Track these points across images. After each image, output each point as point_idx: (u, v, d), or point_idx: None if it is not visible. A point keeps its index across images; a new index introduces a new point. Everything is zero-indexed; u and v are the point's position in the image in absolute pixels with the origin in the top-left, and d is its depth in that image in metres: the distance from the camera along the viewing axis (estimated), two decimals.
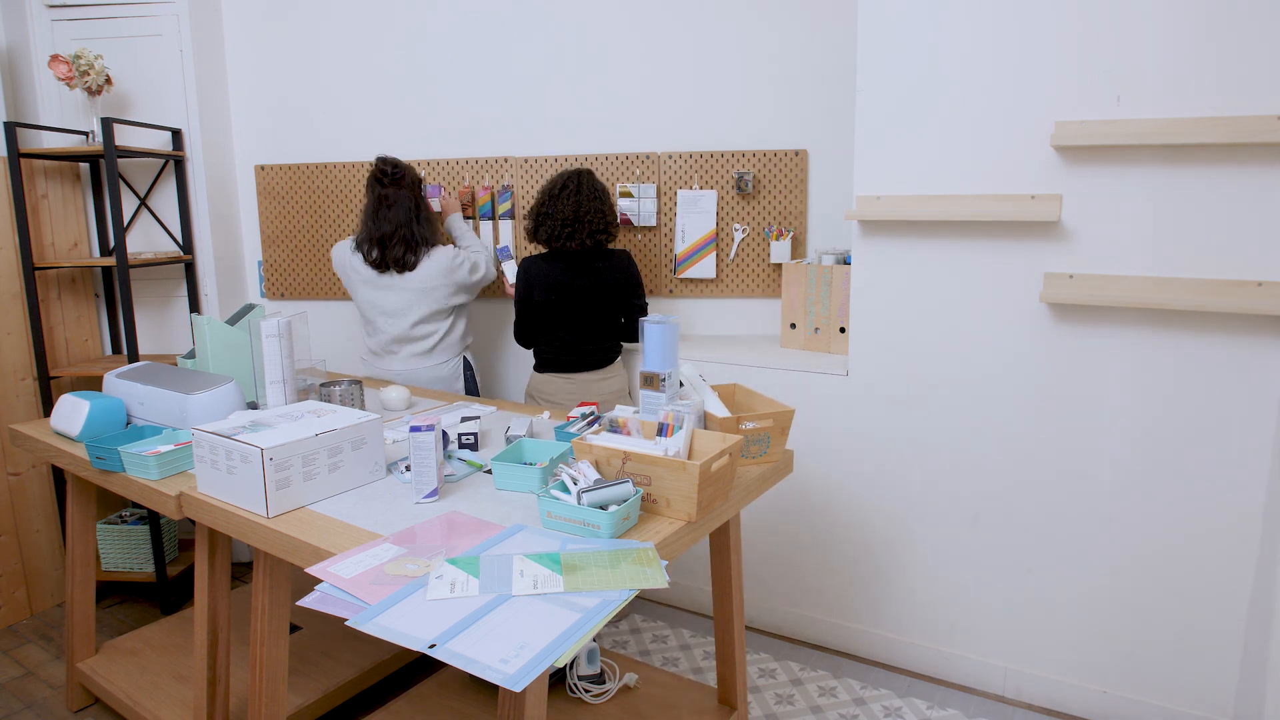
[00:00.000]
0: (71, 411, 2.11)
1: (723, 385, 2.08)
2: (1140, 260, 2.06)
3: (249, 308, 2.47)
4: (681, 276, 3.03)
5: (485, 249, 2.91)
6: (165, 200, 3.14)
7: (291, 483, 1.63)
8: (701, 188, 2.97)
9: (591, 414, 2.06)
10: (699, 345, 2.85)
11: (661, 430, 1.74)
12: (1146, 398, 2.10)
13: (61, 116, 3.05)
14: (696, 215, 2.97)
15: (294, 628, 2.54)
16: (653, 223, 3.00)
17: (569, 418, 2.08)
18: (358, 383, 2.35)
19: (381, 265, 2.70)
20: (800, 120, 2.86)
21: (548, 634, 1.19)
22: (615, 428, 1.76)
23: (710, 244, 2.98)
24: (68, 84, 2.83)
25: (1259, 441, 2.00)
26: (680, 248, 3.00)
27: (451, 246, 2.78)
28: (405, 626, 1.21)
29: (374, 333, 2.79)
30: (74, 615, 2.37)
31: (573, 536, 1.50)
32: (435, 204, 3.05)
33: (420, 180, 2.80)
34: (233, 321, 2.44)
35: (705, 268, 2.99)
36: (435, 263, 2.70)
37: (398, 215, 2.67)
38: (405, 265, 2.68)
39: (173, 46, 3.04)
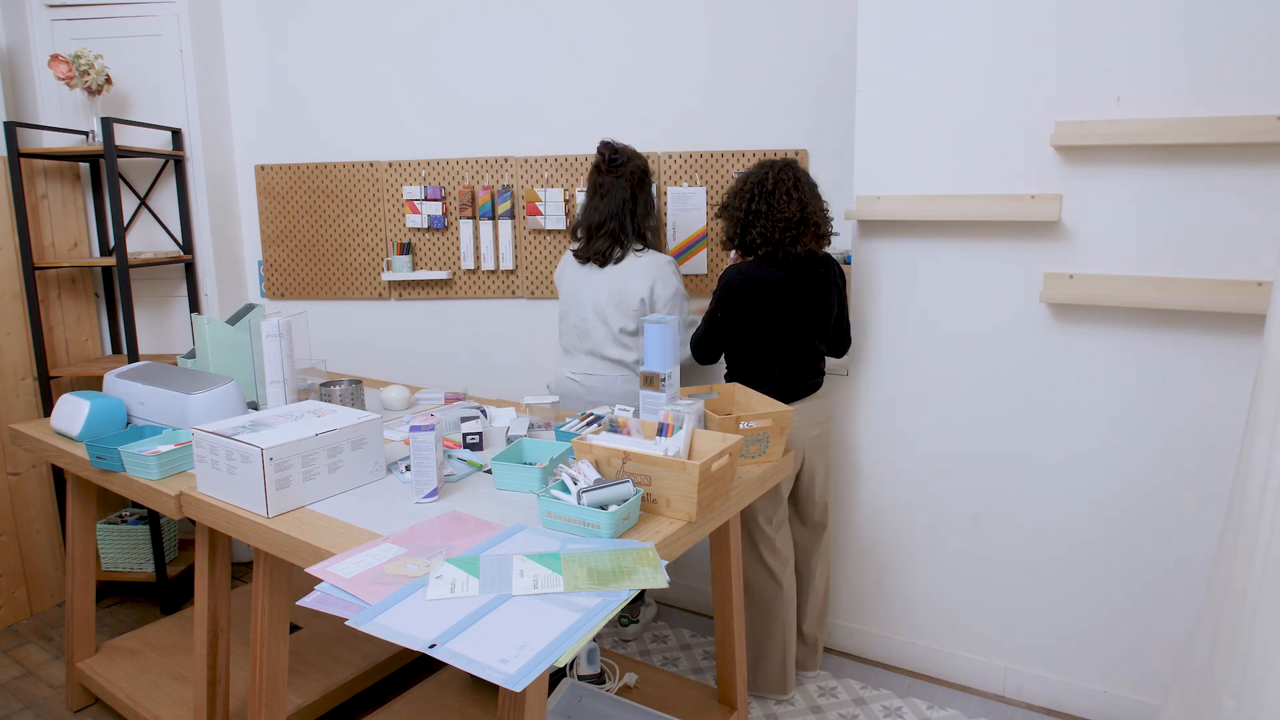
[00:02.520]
0: (72, 411, 2.11)
1: (723, 385, 2.08)
2: (1140, 260, 2.06)
3: (249, 307, 2.47)
4: None
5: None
6: (165, 200, 3.14)
7: (291, 483, 1.63)
8: (690, 185, 2.97)
9: (591, 414, 2.06)
10: None
11: (661, 430, 1.74)
12: (1146, 397, 2.10)
13: (61, 116, 3.05)
14: (687, 212, 2.97)
15: (294, 628, 2.54)
16: None
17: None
18: (358, 382, 2.35)
19: (583, 257, 2.50)
20: (800, 120, 2.86)
21: (548, 634, 1.19)
22: (615, 428, 1.77)
23: (701, 240, 2.98)
24: (68, 84, 2.83)
25: None
26: (672, 245, 3.00)
27: (668, 256, 2.49)
28: (405, 626, 1.21)
29: (566, 328, 2.58)
30: (73, 615, 2.37)
31: (573, 536, 1.50)
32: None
33: (645, 170, 2.51)
34: (233, 321, 2.44)
35: (697, 264, 2.99)
36: (644, 262, 2.43)
37: (609, 205, 2.44)
38: (607, 258, 2.44)
39: (173, 46, 3.04)
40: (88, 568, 2.37)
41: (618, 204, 2.44)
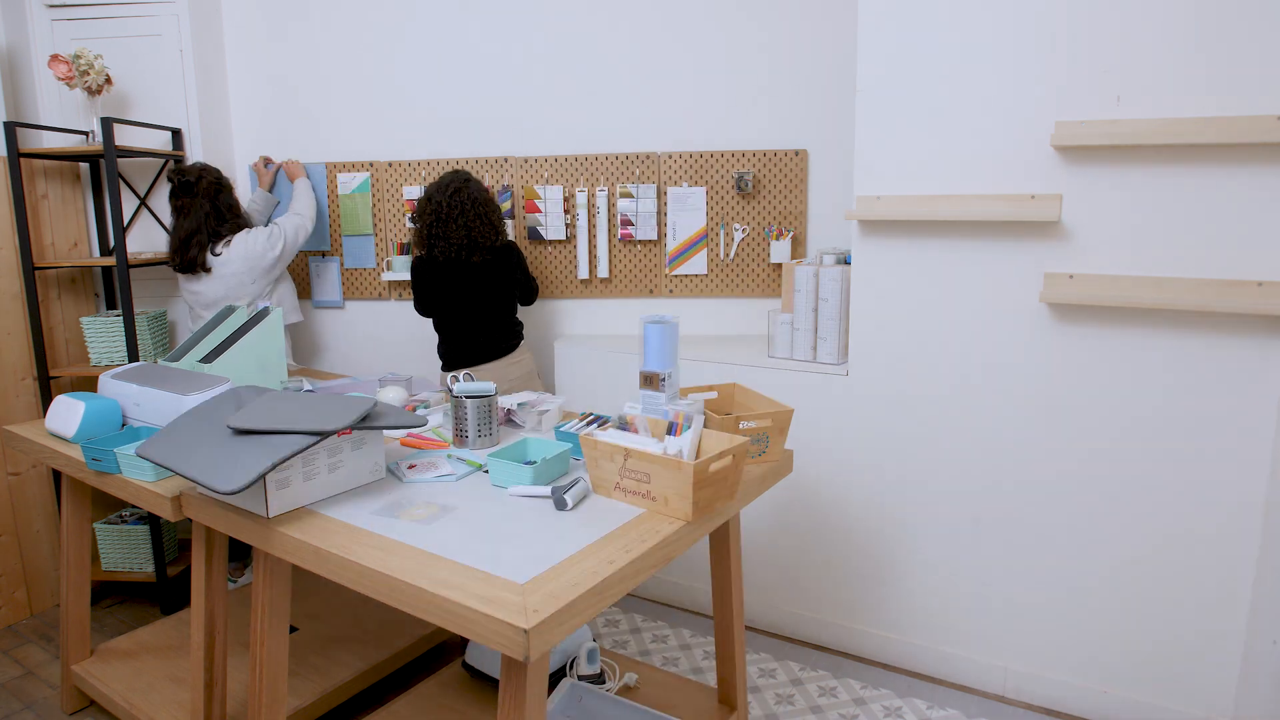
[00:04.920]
0: (66, 412, 2.10)
1: (722, 384, 2.08)
2: (1140, 260, 2.06)
3: (229, 310, 2.45)
4: (674, 273, 3.03)
5: (305, 213, 3.05)
6: (165, 200, 3.14)
7: (291, 483, 1.63)
8: (690, 185, 2.96)
9: (593, 415, 2.06)
10: (699, 344, 2.85)
11: (671, 429, 1.73)
12: (1146, 398, 2.10)
13: (61, 116, 3.05)
14: (686, 213, 2.98)
15: (291, 629, 2.53)
16: (652, 228, 3.00)
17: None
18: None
19: (186, 269, 2.85)
20: (800, 120, 2.86)
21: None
22: (624, 426, 1.77)
23: (701, 241, 2.98)
24: (68, 84, 2.83)
25: (1259, 441, 2.00)
26: (671, 245, 3.01)
27: (257, 230, 2.91)
28: None
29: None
30: (68, 618, 2.36)
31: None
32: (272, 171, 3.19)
33: (218, 180, 2.87)
34: (213, 325, 2.41)
35: (697, 264, 3.00)
36: (238, 249, 2.86)
37: (191, 223, 2.82)
38: (203, 265, 2.85)
39: (173, 46, 3.04)
40: (82, 571, 2.36)
41: (199, 219, 2.82)
